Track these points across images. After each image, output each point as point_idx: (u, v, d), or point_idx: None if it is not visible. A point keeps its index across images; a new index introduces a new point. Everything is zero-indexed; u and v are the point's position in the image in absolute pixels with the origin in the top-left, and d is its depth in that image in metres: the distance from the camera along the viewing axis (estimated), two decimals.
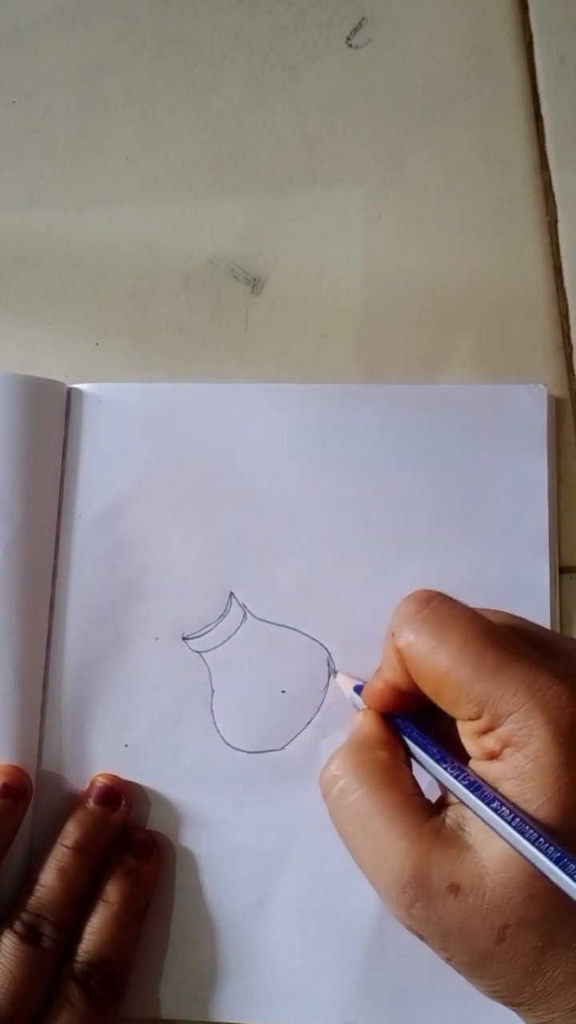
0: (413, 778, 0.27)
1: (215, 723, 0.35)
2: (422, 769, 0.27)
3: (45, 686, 0.35)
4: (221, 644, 0.35)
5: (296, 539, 0.36)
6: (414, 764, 0.28)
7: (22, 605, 0.35)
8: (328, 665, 0.35)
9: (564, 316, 0.38)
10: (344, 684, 0.33)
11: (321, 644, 0.35)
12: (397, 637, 0.27)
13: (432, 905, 0.24)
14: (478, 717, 0.25)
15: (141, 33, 0.41)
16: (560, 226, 0.38)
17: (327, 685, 0.35)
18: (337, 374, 0.38)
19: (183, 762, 0.35)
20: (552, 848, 0.22)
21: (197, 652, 0.35)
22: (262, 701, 0.35)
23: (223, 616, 0.36)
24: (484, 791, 0.24)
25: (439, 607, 0.27)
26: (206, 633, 0.36)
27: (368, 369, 0.38)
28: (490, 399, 0.36)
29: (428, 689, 0.27)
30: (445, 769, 0.26)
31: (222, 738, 0.35)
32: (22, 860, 0.34)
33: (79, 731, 0.35)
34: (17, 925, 0.32)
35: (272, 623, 0.35)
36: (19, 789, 0.34)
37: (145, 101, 0.41)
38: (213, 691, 0.35)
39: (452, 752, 0.27)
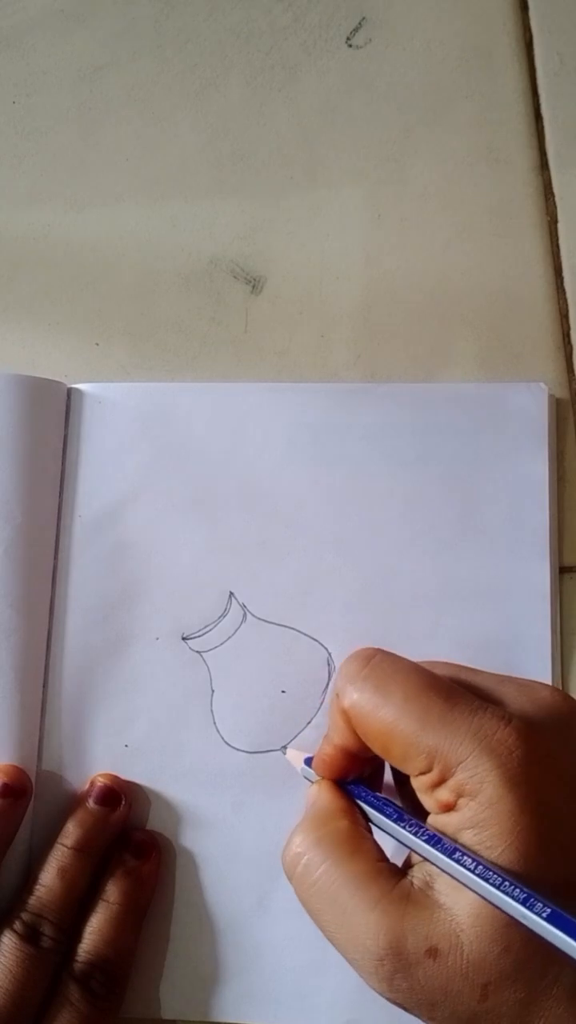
0: (376, 844, 0.27)
1: (215, 723, 0.35)
2: (384, 834, 0.27)
3: (45, 686, 0.35)
4: (221, 644, 0.35)
5: (296, 539, 0.36)
6: (375, 829, 0.28)
7: (22, 605, 0.35)
8: (328, 665, 0.35)
9: (564, 316, 0.38)
10: (294, 759, 0.33)
11: (321, 644, 0.35)
12: (342, 698, 0.27)
13: (413, 974, 0.24)
14: (429, 770, 0.25)
15: (141, 33, 0.41)
16: (560, 226, 0.38)
17: (327, 685, 0.35)
18: (337, 374, 0.38)
19: (183, 762, 0.35)
20: (518, 890, 0.22)
21: (197, 652, 0.35)
22: (262, 701, 0.35)
23: (223, 616, 0.36)
24: (444, 844, 0.24)
25: (380, 663, 0.27)
26: (206, 633, 0.36)
27: (368, 369, 0.38)
28: (490, 398, 0.36)
29: (377, 747, 0.26)
30: (403, 827, 0.26)
31: (222, 738, 0.35)
32: (22, 860, 0.34)
33: (79, 731, 0.35)
34: (17, 925, 0.32)
35: (272, 623, 0.35)
36: (19, 789, 0.34)
37: (145, 101, 0.41)
38: (213, 691, 0.35)
39: (410, 810, 0.27)
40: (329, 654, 0.35)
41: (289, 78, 0.40)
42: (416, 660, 0.28)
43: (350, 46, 0.40)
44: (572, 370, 0.37)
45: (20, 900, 0.33)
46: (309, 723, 0.35)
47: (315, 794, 0.29)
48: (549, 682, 0.34)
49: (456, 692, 0.26)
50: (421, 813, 0.26)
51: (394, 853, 0.27)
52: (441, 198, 0.39)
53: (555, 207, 0.39)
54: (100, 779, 0.34)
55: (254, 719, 0.35)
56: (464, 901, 0.24)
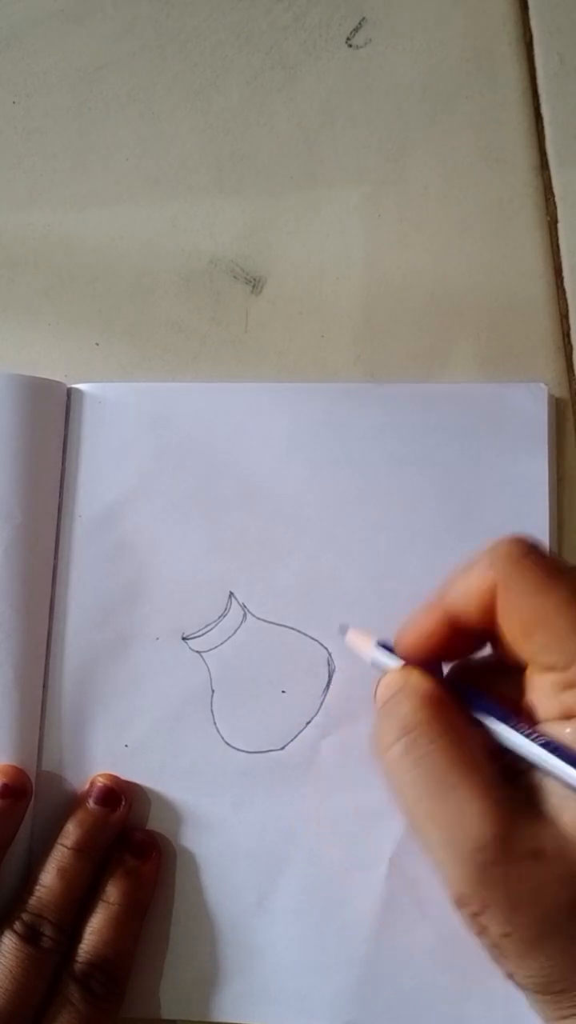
0: (489, 738, 0.26)
1: (215, 723, 0.35)
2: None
3: (45, 686, 0.35)
4: (221, 644, 0.35)
5: (296, 539, 0.36)
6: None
7: (22, 605, 0.35)
8: (328, 665, 0.35)
9: (564, 316, 0.38)
10: (360, 641, 0.30)
11: (321, 644, 0.35)
12: (499, 571, 0.26)
13: (511, 868, 0.23)
14: (566, 669, 0.24)
15: (141, 33, 0.41)
16: (560, 226, 0.38)
17: (327, 685, 0.35)
18: (337, 374, 0.38)
19: (183, 762, 0.35)
20: None
21: (197, 652, 0.35)
22: (262, 701, 0.35)
23: (223, 616, 0.36)
24: (562, 750, 0.23)
25: (545, 556, 0.26)
26: (206, 633, 0.36)
27: (368, 369, 0.38)
28: (490, 398, 0.36)
29: (516, 629, 0.25)
30: (515, 728, 0.25)
31: (222, 738, 0.35)
32: (22, 860, 0.34)
33: (79, 731, 0.35)
34: (17, 925, 0.32)
35: (272, 623, 0.35)
36: (19, 789, 0.34)
37: (145, 101, 0.41)
38: (213, 691, 0.35)
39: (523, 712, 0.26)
40: (329, 654, 0.35)
41: (289, 78, 0.40)
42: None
43: (350, 46, 0.40)
44: (572, 370, 0.37)
45: (20, 900, 0.33)
46: (309, 723, 0.35)
47: (402, 679, 0.27)
48: None
49: None
50: (544, 709, 0.25)
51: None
52: (441, 198, 0.39)
53: (555, 207, 0.39)
54: (100, 779, 0.34)
55: (254, 719, 0.35)
56: (572, 815, 0.23)
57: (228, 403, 0.37)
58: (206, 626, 0.36)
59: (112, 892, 0.33)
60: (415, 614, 0.28)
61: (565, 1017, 0.24)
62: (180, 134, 0.41)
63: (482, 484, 0.36)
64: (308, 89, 0.40)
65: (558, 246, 0.38)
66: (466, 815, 0.24)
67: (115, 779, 0.35)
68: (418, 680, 0.27)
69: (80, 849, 0.33)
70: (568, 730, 0.24)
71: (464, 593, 0.27)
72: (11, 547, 0.35)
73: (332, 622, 0.35)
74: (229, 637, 0.35)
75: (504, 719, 0.25)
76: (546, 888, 0.23)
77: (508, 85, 0.39)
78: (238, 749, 0.35)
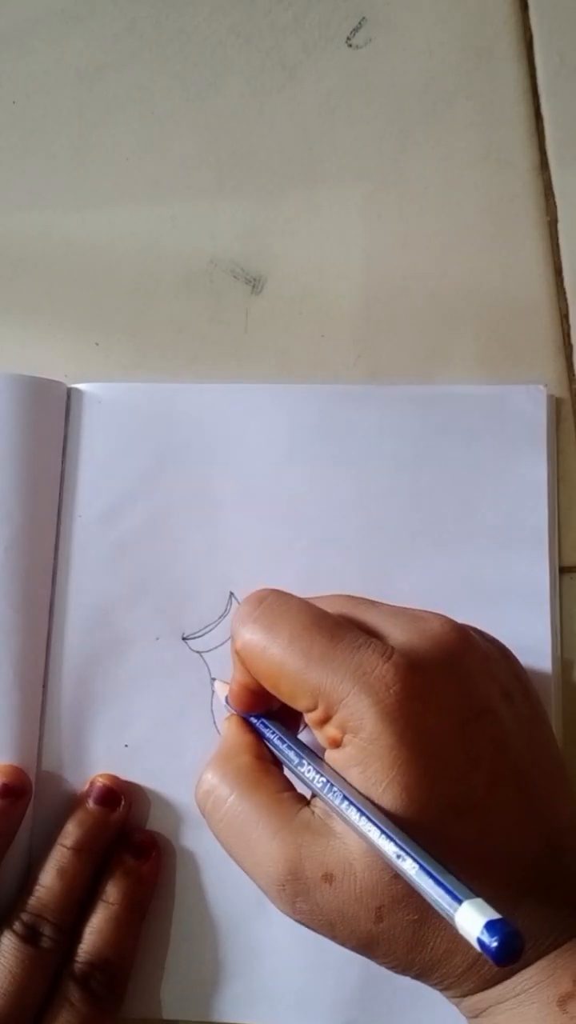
0: (281, 776, 0.28)
1: (215, 723, 0.35)
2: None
3: (45, 686, 0.35)
4: (221, 644, 0.35)
5: (296, 539, 0.36)
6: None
7: (22, 605, 0.35)
8: None
9: (564, 316, 0.38)
10: (220, 690, 0.34)
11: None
12: (234, 639, 0.28)
13: (312, 897, 0.25)
14: (315, 707, 0.26)
15: (141, 33, 0.41)
16: (560, 226, 0.38)
17: None
18: (337, 374, 0.38)
19: (183, 762, 0.35)
20: (392, 845, 0.23)
21: (197, 652, 0.35)
22: None
23: (223, 616, 0.36)
24: (335, 790, 0.25)
25: (271, 604, 0.27)
26: (206, 633, 0.36)
27: (368, 369, 0.38)
28: (490, 400, 0.36)
29: (268, 685, 0.27)
30: (304, 770, 0.27)
31: (218, 732, 0.35)
32: (22, 860, 0.34)
33: (79, 731, 0.35)
34: (17, 925, 0.32)
35: (224, 680, 0.35)
36: (19, 789, 0.34)
37: (145, 101, 0.41)
38: (213, 691, 0.35)
39: (316, 748, 0.27)
40: None
41: (289, 78, 0.40)
42: (314, 596, 0.28)
43: (350, 46, 0.40)
44: (572, 371, 0.37)
45: (20, 900, 0.33)
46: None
47: (224, 730, 0.31)
48: (550, 682, 0.34)
49: (341, 628, 0.26)
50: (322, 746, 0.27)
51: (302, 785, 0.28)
52: (441, 198, 0.39)
53: (555, 207, 0.39)
54: (100, 779, 0.34)
55: None
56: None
57: (228, 403, 0.37)
58: (206, 626, 0.36)
59: (112, 892, 0.33)
60: (230, 678, 0.30)
61: (447, 988, 0.26)
62: (180, 134, 0.41)
63: (482, 485, 0.36)
64: (308, 89, 0.40)
65: (558, 246, 0.38)
66: (262, 859, 0.26)
67: (115, 779, 0.35)
68: (231, 733, 0.30)
69: (80, 849, 0.33)
70: (339, 757, 0.25)
71: (234, 666, 0.29)
72: (11, 547, 0.35)
73: None
74: (229, 637, 0.35)
75: (296, 761, 0.27)
76: (346, 907, 0.25)
77: (508, 85, 0.39)
78: None
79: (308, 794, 0.27)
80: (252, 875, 0.27)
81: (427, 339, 0.38)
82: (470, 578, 0.35)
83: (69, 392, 0.38)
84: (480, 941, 0.20)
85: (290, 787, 0.28)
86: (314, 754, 0.27)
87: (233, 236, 0.40)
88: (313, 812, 0.26)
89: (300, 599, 0.28)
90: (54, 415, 0.37)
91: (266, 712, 0.30)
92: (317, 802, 0.26)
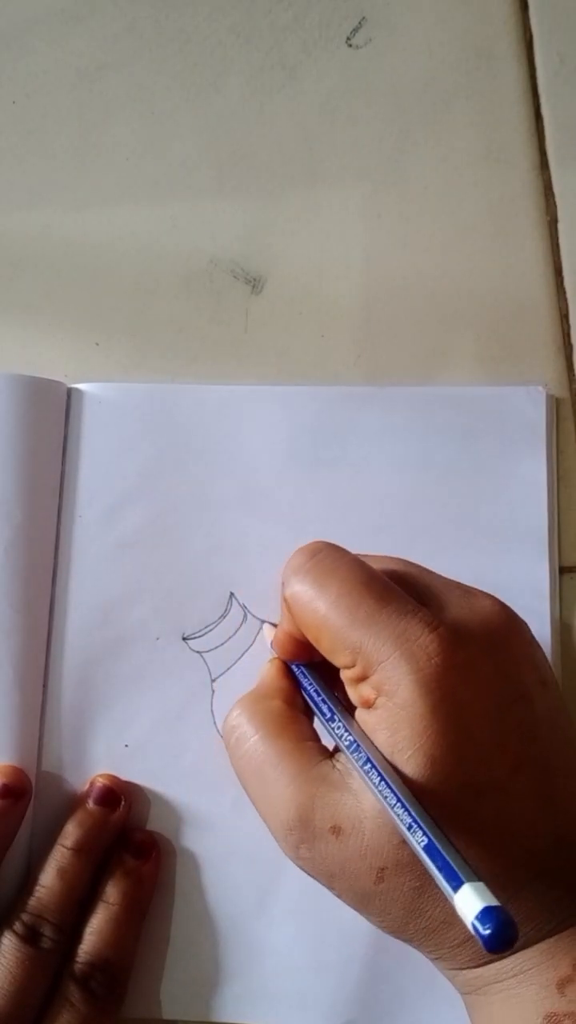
0: (309, 725, 0.28)
1: (215, 723, 0.35)
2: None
3: (45, 686, 0.35)
4: (221, 644, 0.35)
5: (296, 539, 0.36)
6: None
7: (22, 605, 0.35)
8: None
9: (564, 316, 0.38)
10: (268, 634, 0.34)
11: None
12: (284, 587, 0.28)
13: (316, 846, 0.25)
14: (353, 665, 0.26)
15: (141, 33, 0.41)
16: (560, 226, 0.38)
17: None
18: (337, 374, 0.38)
19: (183, 762, 0.35)
20: (405, 813, 0.23)
21: (197, 652, 0.35)
22: None
23: (223, 616, 0.36)
24: (361, 752, 0.25)
25: (324, 557, 0.27)
26: (206, 633, 0.36)
27: (368, 369, 0.38)
28: (490, 401, 0.36)
29: (311, 637, 0.27)
30: (333, 727, 0.27)
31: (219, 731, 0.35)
32: (22, 860, 0.34)
33: (79, 731, 0.35)
34: (17, 926, 0.32)
35: (273, 624, 0.35)
36: (19, 789, 0.34)
37: (145, 101, 0.41)
38: (213, 691, 0.35)
39: (346, 703, 0.28)
40: None
41: (289, 78, 0.40)
42: (367, 554, 0.28)
43: (350, 46, 0.40)
44: (572, 371, 0.37)
45: (20, 901, 0.33)
46: None
47: (264, 671, 0.31)
48: None
49: (391, 592, 0.26)
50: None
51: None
52: (441, 198, 0.39)
53: (555, 207, 0.39)
54: (100, 779, 0.34)
55: None
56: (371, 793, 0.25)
57: (228, 403, 0.37)
58: (206, 626, 0.36)
59: (112, 892, 0.33)
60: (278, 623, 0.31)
61: (441, 959, 0.26)
62: (180, 134, 0.41)
63: (482, 485, 0.36)
64: (308, 89, 0.40)
65: (558, 246, 0.38)
66: (275, 800, 0.26)
67: (115, 779, 0.35)
68: (267, 676, 0.30)
69: (80, 849, 0.33)
70: (369, 718, 0.26)
71: (282, 614, 0.29)
72: (11, 547, 0.35)
73: None
74: (229, 638, 0.35)
75: (327, 717, 0.28)
76: (349, 862, 0.25)
77: (508, 85, 0.39)
78: None
79: (331, 748, 0.27)
80: (263, 815, 0.27)
81: (427, 339, 0.38)
82: (470, 578, 0.35)
83: (69, 392, 0.38)
84: (474, 926, 0.20)
85: (315, 737, 0.28)
86: (346, 712, 0.27)
87: (233, 236, 0.40)
88: (334, 766, 0.26)
89: (354, 556, 0.28)
90: (54, 415, 0.37)
91: (308, 662, 0.30)
92: (340, 757, 0.26)
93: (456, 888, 0.21)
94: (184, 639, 0.36)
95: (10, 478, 0.36)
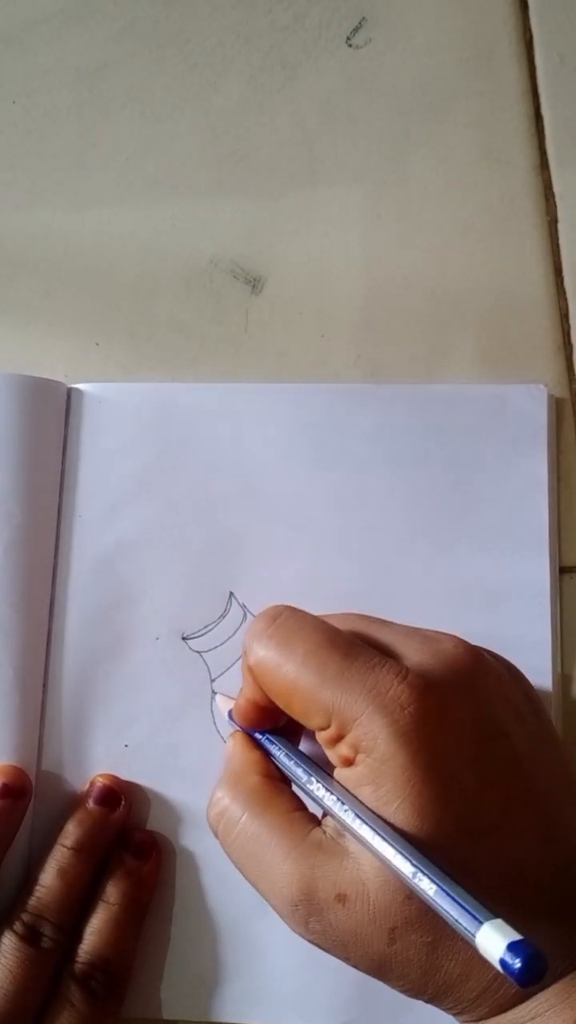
0: (292, 795, 0.28)
1: (215, 723, 0.35)
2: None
3: (45, 686, 0.35)
4: (221, 644, 0.35)
5: (296, 539, 0.36)
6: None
7: (22, 605, 0.35)
8: None
9: (564, 316, 0.38)
10: (222, 705, 0.34)
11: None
12: (248, 655, 0.27)
13: (325, 918, 0.25)
14: (328, 726, 0.25)
15: (141, 33, 0.41)
16: (560, 226, 0.38)
17: None
18: (337, 374, 0.38)
19: (183, 762, 0.35)
20: (408, 864, 0.23)
21: (197, 652, 0.35)
22: None
23: (223, 616, 0.36)
24: (347, 808, 0.25)
25: (285, 620, 0.27)
26: (206, 633, 0.36)
27: (368, 369, 0.38)
28: (490, 399, 0.36)
29: (281, 703, 0.27)
30: (313, 788, 0.27)
31: (222, 738, 0.35)
32: (22, 860, 0.34)
33: (79, 731, 0.35)
34: (17, 926, 0.32)
35: (224, 695, 0.35)
36: (19, 789, 0.34)
37: (145, 101, 0.41)
38: (213, 691, 0.35)
39: (322, 763, 0.27)
40: None
41: (289, 78, 0.40)
42: (326, 613, 0.28)
43: (350, 46, 0.40)
44: (572, 370, 0.37)
45: (20, 901, 0.33)
46: None
47: (231, 748, 0.30)
48: (549, 681, 0.34)
49: (355, 647, 0.26)
50: (332, 764, 0.27)
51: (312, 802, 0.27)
52: (441, 198, 0.39)
53: (555, 207, 0.39)
54: (100, 779, 0.34)
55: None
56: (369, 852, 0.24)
57: (228, 403, 0.37)
58: (206, 626, 0.36)
59: (112, 892, 0.33)
60: (238, 693, 0.30)
61: (461, 1012, 0.25)
62: (180, 134, 0.41)
63: (482, 484, 0.36)
64: (308, 89, 0.40)
65: (558, 246, 0.38)
66: (275, 880, 0.26)
67: (115, 779, 0.35)
68: (238, 753, 0.30)
69: (80, 849, 0.33)
70: (351, 776, 0.25)
71: (245, 681, 0.29)
72: (11, 547, 0.35)
73: None
74: (229, 637, 0.35)
75: (306, 778, 0.27)
76: (360, 928, 0.24)
77: (508, 85, 0.39)
78: None
79: (319, 813, 0.27)
80: (266, 896, 0.26)
81: (427, 339, 0.38)
82: (470, 578, 0.35)
83: (69, 392, 0.38)
84: (503, 962, 0.20)
85: (301, 806, 0.28)
86: (322, 770, 0.27)
87: (233, 236, 0.40)
88: (324, 832, 0.26)
89: (314, 616, 0.28)
90: (54, 415, 0.37)
91: (271, 728, 0.30)
92: (328, 821, 0.26)
93: (475, 929, 0.21)
94: (184, 639, 0.36)
95: (10, 478, 0.36)
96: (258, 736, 0.30)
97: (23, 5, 0.42)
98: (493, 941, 0.20)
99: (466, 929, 0.21)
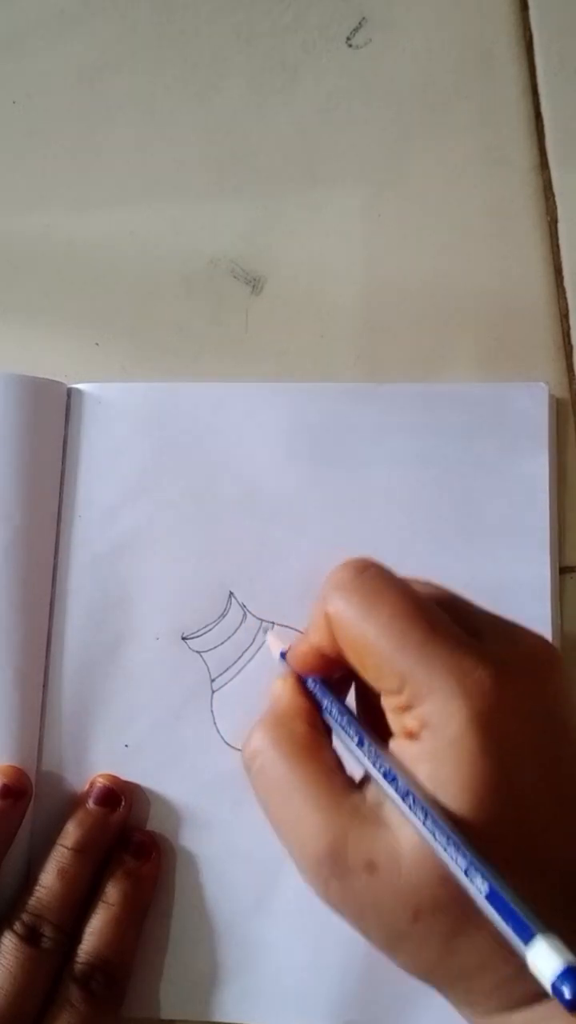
0: (334, 752, 0.27)
1: (215, 723, 0.35)
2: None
3: (45, 686, 0.35)
4: (221, 644, 0.35)
5: (296, 539, 0.36)
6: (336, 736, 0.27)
7: (22, 605, 0.35)
8: None
9: (564, 316, 0.38)
10: (273, 644, 0.32)
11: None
12: (328, 602, 0.26)
13: (348, 882, 0.24)
14: (399, 692, 0.25)
15: (141, 34, 0.41)
16: (560, 226, 0.38)
17: None
18: (337, 374, 0.38)
19: (183, 762, 0.35)
20: (460, 857, 0.22)
21: (197, 652, 0.35)
22: (262, 701, 0.35)
23: (223, 616, 0.36)
24: (399, 783, 0.24)
25: (373, 577, 0.26)
26: (206, 633, 0.36)
27: (368, 369, 0.38)
28: (491, 399, 0.36)
29: (353, 658, 0.26)
30: (363, 753, 0.26)
31: (222, 738, 0.35)
32: (22, 860, 0.34)
33: (79, 731, 0.35)
34: (17, 926, 0.32)
35: (272, 623, 0.35)
36: (19, 790, 0.34)
37: (145, 101, 0.41)
38: (213, 691, 0.35)
39: (372, 726, 0.26)
40: None
41: (289, 78, 0.40)
42: (409, 577, 0.27)
43: (350, 46, 0.40)
44: (572, 370, 0.37)
45: (20, 901, 0.33)
46: None
47: (279, 689, 0.29)
48: None
49: (442, 622, 0.25)
50: (383, 730, 0.26)
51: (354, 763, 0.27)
52: (441, 198, 0.39)
53: (555, 207, 0.39)
54: (100, 780, 0.34)
55: (254, 719, 0.35)
56: (410, 827, 0.23)
57: (228, 403, 0.37)
58: (206, 626, 0.36)
59: (112, 893, 0.33)
60: (299, 636, 0.29)
61: (468, 1004, 0.25)
62: (180, 134, 0.41)
63: (482, 484, 0.36)
64: (308, 89, 0.40)
65: (558, 246, 0.38)
66: (305, 832, 0.25)
67: (115, 779, 0.35)
68: (286, 696, 0.28)
69: (80, 850, 0.33)
70: (409, 749, 0.25)
71: (315, 627, 0.28)
72: (11, 547, 0.35)
73: None
74: (229, 637, 0.35)
75: (357, 743, 0.26)
76: (383, 900, 0.24)
77: (508, 85, 0.39)
78: (238, 749, 0.35)
79: (358, 775, 0.26)
80: (289, 846, 0.26)
81: (427, 339, 0.38)
82: (470, 577, 0.35)
83: (69, 392, 0.38)
84: (554, 986, 0.19)
85: (342, 767, 0.27)
86: (374, 736, 0.26)
87: (233, 236, 0.40)
88: (365, 798, 0.25)
89: (402, 579, 0.27)
90: (54, 415, 0.37)
91: (326, 679, 0.29)
92: (370, 788, 0.25)
93: (528, 941, 0.20)
94: (184, 639, 0.36)
95: (10, 478, 0.36)
96: (311, 684, 0.29)
97: (24, 7, 0.42)
98: (547, 961, 0.19)
99: (518, 941, 0.20)
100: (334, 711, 0.28)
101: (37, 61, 0.42)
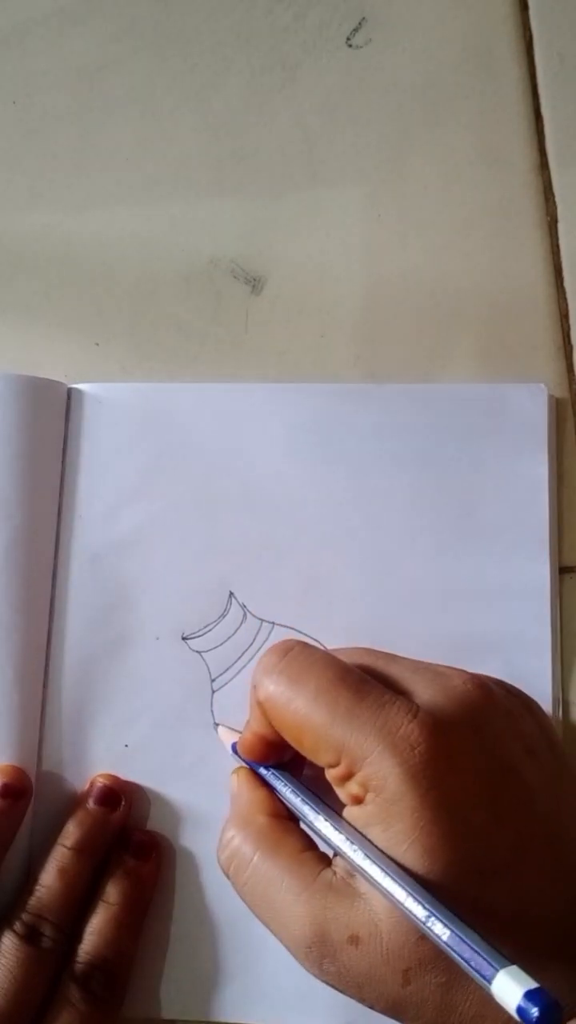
0: (301, 833, 0.28)
1: (215, 723, 0.35)
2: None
3: (45, 686, 0.35)
4: (221, 644, 0.35)
5: (296, 539, 0.36)
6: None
7: (22, 605, 0.35)
8: None
9: (564, 316, 0.38)
10: (225, 738, 0.34)
11: (321, 644, 0.35)
12: (257, 690, 0.27)
13: (338, 959, 0.25)
14: (338, 764, 0.25)
15: (141, 33, 0.41)
16: (560, 226, 0.38)
17: None
18: (337, 374, 0.38)
19: (183, 762, 0.35)
20: (420, 908, 0.22)
21: (197, 652, 0.35)
22: None
23: (223, 616, 0.36)
24: (356, 849, 0.24)
25: (296, 656, 0.27)
26: (206, 633, 0.36)
27: (368, 369, 0.38)
28: (490, 399, 0.36)
29: (290, 739, 0.27)
30: (320, 825, 0.26)
31: (222, 741, 0.35)
32: (22, 860, 0.34)
33: (79, 731, 0.35)
34: (17, 925, 0.32)
35: (272, 623, 0.35)
36: (19, 789, 0.34)
37: (145, 101, 0.41)
38: (213, 691, 0.35)
39: (329, 800, 0.27)
40: None
41: (289, 78, 0.40)
42: (336, 648, 0.28)
43: (350, 46, 0.40)
44: (572, 370, 0.37)
45: (20, 900, 0.33)
46: None
47: (236, 786, 0.30)
48: (548, 682, 0.34)
49: (366, 685, 0.26)
50: (337, 800, 0.27)
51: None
52: (441, 198, 0.39)
53: (555, 207, 0.39)
54: (100, 779, 0.34)
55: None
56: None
57: (228, 403, 0.37)
58: (206, 626, 0.36)
59: (112, 892, 0.33)
60: (244, 727, 0.30)
61: None
62: (180, 134, 0.41)
63: (482, 484, 0.36)
64: (308, 89, 0.40)
65: (558, 246, 0.38)
66: (288, 922, 0.26)
67: (115, 779, 0.35)
68: (244, 791, 0.30)
69: (80, 849, 0.33)
70: (359, 815, 0.25)
71: (253, 716, 0.28)
72: (11, 547, 0.35)
73: (332, 622, 0.35)
74: (229, 637, 0.35)
75: (314, 816, 0.27)
76: (374, 969, 0.24)
77: (508, 85, 0.39)
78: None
79: (328, 851, 0.27)
80: (279, 937, 0.26)
81: (427, 339, 0.38)
82: (470, 578, 0.35)
83: (69, 392, 0.38)
84: (520, 1010, 0.20)
85: (311, 845, 0.27)
86: (330, 808, 0.27)
87: (233, 236, 0.40)
88: (335, 872, 0.26)
89: (324, 652, 0.27)
90: (54, 415, 0.37)
91: (277, 764, 0.30)
92: (339, 861, 0.26)
93: (491, 977, 0.20)
94: (184, 639, 0.36)
95: (10, 478, 0.36)
96: (263, 772, 0.30)
97: (23, 5, 0.42)
98: (509, 989, 0.20)
99: (481, 976, 0.21)
100: (287, 793, 0.28)
101: (37, 60, 0.42)
